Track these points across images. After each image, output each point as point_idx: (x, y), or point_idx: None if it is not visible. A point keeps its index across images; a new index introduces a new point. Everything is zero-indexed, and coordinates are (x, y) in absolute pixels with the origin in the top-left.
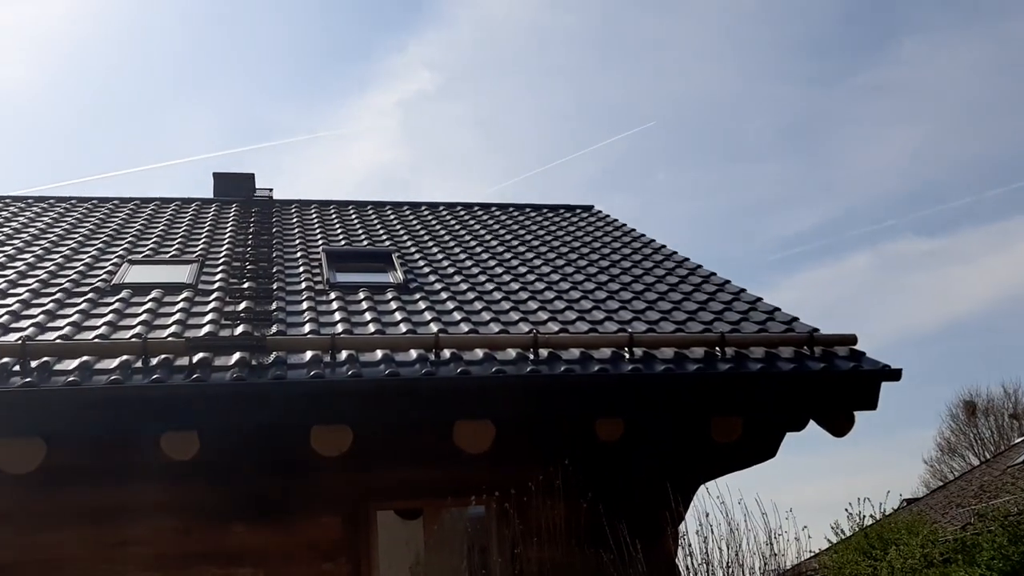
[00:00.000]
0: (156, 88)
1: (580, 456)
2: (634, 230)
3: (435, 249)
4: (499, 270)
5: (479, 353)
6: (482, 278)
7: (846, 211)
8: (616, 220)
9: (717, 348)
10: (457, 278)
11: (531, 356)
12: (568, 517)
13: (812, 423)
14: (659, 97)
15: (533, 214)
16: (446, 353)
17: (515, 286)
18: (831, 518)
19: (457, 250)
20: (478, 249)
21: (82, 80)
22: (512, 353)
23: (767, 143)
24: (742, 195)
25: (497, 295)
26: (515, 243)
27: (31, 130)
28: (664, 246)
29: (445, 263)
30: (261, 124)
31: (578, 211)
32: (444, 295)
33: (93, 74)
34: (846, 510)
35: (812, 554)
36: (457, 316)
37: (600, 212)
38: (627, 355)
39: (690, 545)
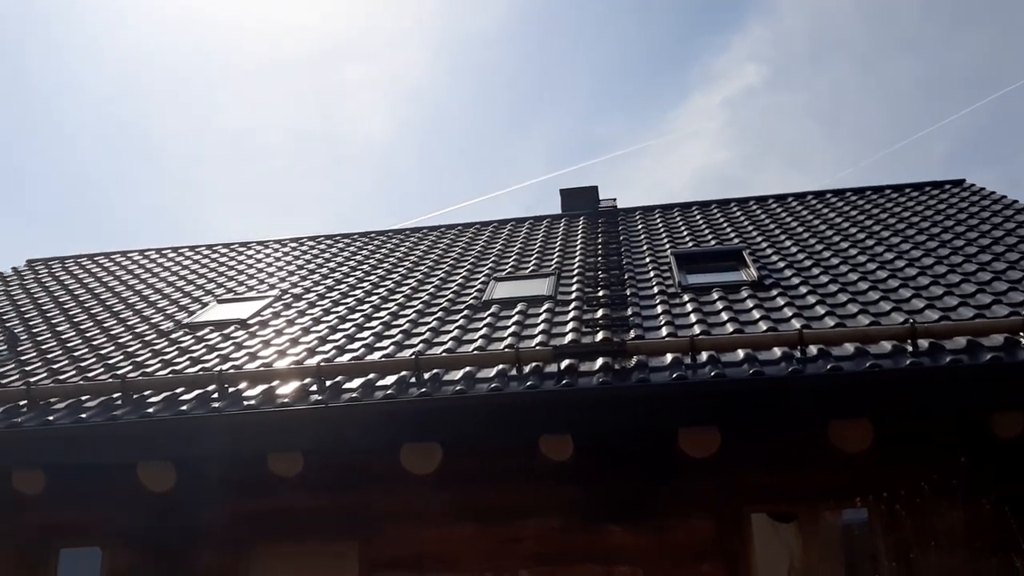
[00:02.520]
0: (497, 121)
1: (978, 453)
2: (1016, 201)
3: (788, 242)
4: (862, 259)
5: (849, 348)
6: (844, 268)
7: None
8: (993, 193)
9: None
10: (816, 270)
11: (909, 348)
12: (968, 520)
13: None
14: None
15: (894, 195)
16: (812, 349)
17: (883, 274)
18: None
19: (812, 241)
20: (836, 238)
21: (432, 123)
22: (887, 346)
23: None
24: None
25: (863, 285)
26: (877, 228)
27: (395, 174)
28: None
29: (801, 256)
30: (593, 141)
31: (946, 187)
32: (803, 289)
33: (440, 117)
34: None
35: None
36: (820, 310)
37: (973, 185)
38: None
39: None
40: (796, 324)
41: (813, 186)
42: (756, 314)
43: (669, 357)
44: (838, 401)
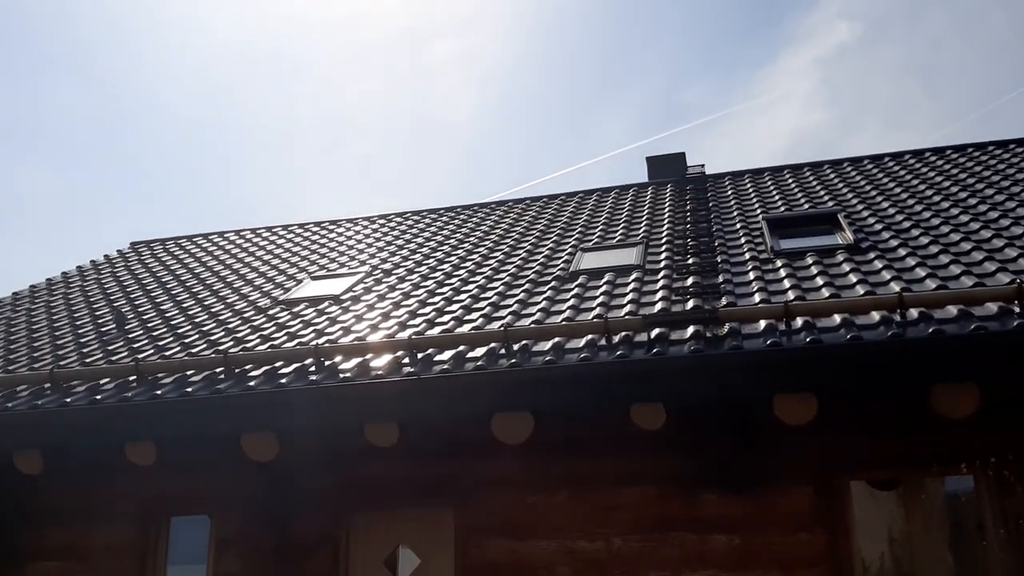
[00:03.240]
0: (582, 92)
1: None
2: None
3: (885, 204)
4: (964, 218)
5: (952, 310)
6: (945, 229)
7: None
8: None
9: None
10: (915, 232)
11: (1016, 309)
12: None
13: None
14: None
15: (998, 152)
16: (913, 313)
17: (987, 233)
18: None
19: (911, 202)
20: (936, 198)
21: (516, 97)
22: (992, 307)
23: None
24: None
25: (966, 246)
26: (980, 186)
27: (481, 149)
28: None
29: (899, 217)
30: (679, 107)
31: None
32: (902, 251)
33: (524, 90)
34: None
35: None
36: (920, 272)
37: None
38: None
39: None
40: (895, 287)
41: (913, 146)
42: (853, 278)
43: (763, 324)
44: (941, 365)
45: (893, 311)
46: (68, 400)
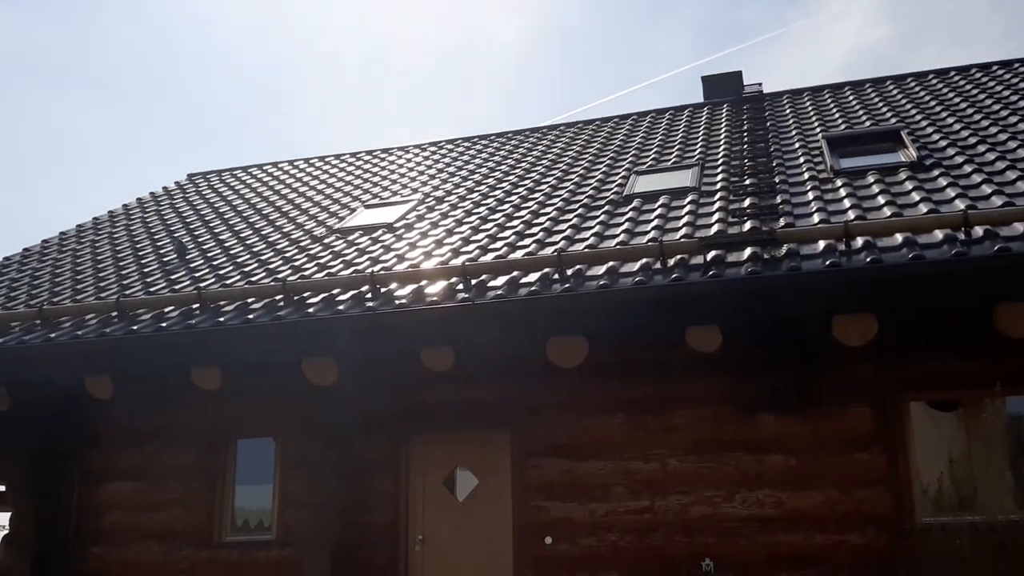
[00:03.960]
0: (633, 15)
1: None
2: None
3: (950, 120)
4: None
5: (1019, 227)
6: (1012, 144)
7: None
8: None
9: None
10: (982, 148)
11: None
12: None
13: None
14: None
15: None
16: (978, 231)
17: None
18: None
19: (978, 117)
20: (1004, 113)
21: (568, 21)
22: None
23: None
24: None
25: None
26: None
27: (534, 75)
28: None
29: (965, 133)
30: (735, 25)
31: None
32: (968, 168)
33: (575, 13)
34: None
35: None
36: (987, 190)
37: None
38: None
39: None
40: (960, 205)
41: (979, 61)
42: (916, 196)
43: (822, 244)
44: (1007, 284)
45: (957, 229)
46: (135, 328)
